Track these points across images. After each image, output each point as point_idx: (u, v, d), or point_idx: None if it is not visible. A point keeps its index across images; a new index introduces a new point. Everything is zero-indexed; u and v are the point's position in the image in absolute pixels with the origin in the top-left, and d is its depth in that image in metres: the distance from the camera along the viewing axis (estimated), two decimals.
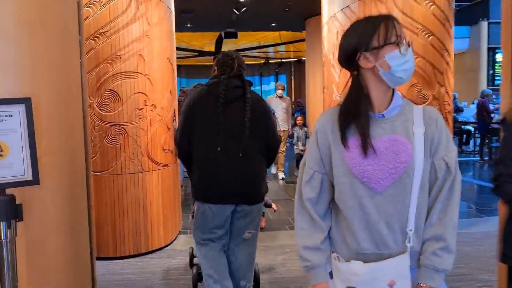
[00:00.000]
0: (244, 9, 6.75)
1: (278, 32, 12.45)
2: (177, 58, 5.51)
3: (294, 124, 7.53)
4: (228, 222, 2.47)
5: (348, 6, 4.25)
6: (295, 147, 7.56)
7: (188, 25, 8.88)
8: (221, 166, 2.34)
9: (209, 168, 2.37)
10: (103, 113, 3.78)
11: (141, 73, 3.86)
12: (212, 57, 12.94)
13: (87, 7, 3.63)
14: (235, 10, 6.70)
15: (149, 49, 3.93)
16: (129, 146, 3.84)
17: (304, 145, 7.41)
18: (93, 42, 3.70)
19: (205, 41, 13.87)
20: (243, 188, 2.39)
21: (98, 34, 3.70)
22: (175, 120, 4.42)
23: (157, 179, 4.07)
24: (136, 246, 3.94)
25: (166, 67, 4.17)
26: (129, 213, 3.90)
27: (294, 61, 19.82)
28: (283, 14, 7.95)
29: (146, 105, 3.91)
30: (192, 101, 2.44)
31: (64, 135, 2.09)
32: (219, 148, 2.32)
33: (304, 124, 7.52)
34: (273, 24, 9.41)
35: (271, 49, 16.89)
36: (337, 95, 4.87)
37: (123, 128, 3.81)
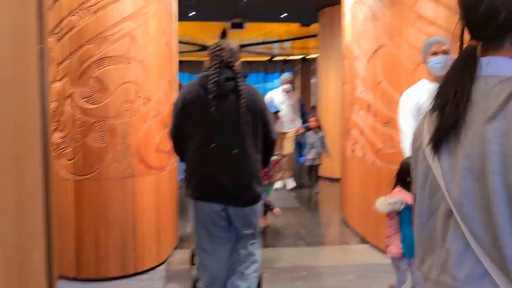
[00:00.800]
0: None
1: (285, 27, 11.95)
2: (181, 52, 4.94)
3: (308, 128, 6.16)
4: (222, 220, 2.38)
5: None
6: (306, 155, 6.11)
7: (192, 13, 8.26)
8: (213, 164, 2.29)
9: (201, 165, 2.33)
10: (86, 105, 3.14)
11: (133, 58, 3.22)
12: None
13: None
14: None
15: (144, 29, 3.29)
16: (117, 146, 3.21)
17: (318, 153, 5.99)
18: (74, 18, 3.07)
19: (210, 34, 13.32)
20: (233, 188, 2.32)
21: (81, 9, 3.07)
22: None
23: (150, 186, 3.44)
24: (122, 266, 3.31)
25: (164, 52, 3.53)
26: (115, 225, 3.27)
27: (300, 58, 19.37)
28: (294, 3, 7.31)
29: (138, 97, 3.27)
30: (183, 94, 2.37)
31: (9, 134, 1.46)
32: (212, 145, 2.26)
33: (319, 127, 6.10)
34: (283, 15, 8.78)
35: (276, 45, 16.47)
36: (362, 90, 4.23)
37: (110, 123, 3.18)
